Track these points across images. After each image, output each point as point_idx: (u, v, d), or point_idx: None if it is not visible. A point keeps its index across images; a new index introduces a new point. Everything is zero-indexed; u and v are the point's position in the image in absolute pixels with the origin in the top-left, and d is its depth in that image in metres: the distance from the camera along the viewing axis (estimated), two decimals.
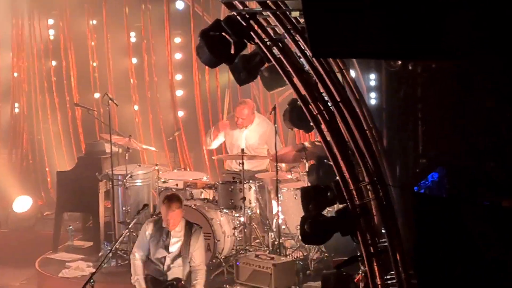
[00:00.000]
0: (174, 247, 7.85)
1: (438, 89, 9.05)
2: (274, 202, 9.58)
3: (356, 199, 5.73)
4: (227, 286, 8.70)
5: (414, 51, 4.29)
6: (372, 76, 9.37)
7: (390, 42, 4.21)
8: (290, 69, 5.88)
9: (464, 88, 8.70)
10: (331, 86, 5.79)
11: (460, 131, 8.63)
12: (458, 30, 4.10)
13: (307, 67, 5.89)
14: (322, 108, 5.80)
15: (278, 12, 5.85)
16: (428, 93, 9.27)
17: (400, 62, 9.30)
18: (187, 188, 9.60)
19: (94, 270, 7.67)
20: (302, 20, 5.74)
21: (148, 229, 7.90)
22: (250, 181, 9.44)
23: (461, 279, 3.88)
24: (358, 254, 5.85)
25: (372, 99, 9.33)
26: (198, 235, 7.90)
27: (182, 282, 7.80)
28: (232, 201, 9.26)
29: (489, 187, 8.44)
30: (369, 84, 9.50)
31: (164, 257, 7.84)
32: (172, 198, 7.84)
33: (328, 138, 5.81)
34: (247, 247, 9.23)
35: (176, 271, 7.85)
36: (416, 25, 4.17)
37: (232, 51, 6.00)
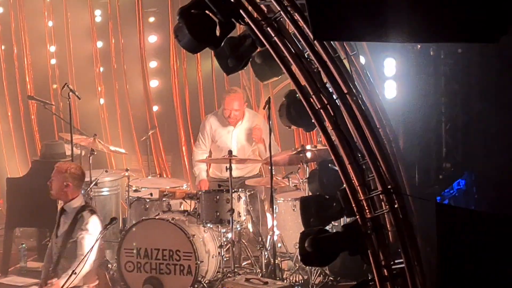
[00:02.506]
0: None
1: (468, 78, 9.07)
2: (268, 215, 9.56)
3: (367, 211, 5.72)
4: None
5: (438, 32, 4.27)
6: (387, 62, 9.39)
7: (407, 21, 4.21)
8: (287, 55, 5.86)
9: (499, 74, 8.71)
10: (336, 75, 5.77)
11: (495, 131, 8.65)
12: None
13: (308, 52, 5.87)
14: (326, 102, 5.78)
15: None
16: (454, 83, 9.29)
17: (419, 46, 9.33)
18: (163, 199, 9.58)
19: None
20: None
21: None
22: (240, 189, 9.44)
23: None
24: (370, 278, 5.84)
25: (387, 90, 9.35)
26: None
27: None
28: (218, 214, 9.24)
29: None
30: (383, 72, 9.52)
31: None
32: None
33: (333, 138, 5.79)
34: (235, 269, 9.21)
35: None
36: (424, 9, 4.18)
37: (218, 33, 5.98)
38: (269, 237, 9.43)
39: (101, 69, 12.54)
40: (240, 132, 10.15)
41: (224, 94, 10.29)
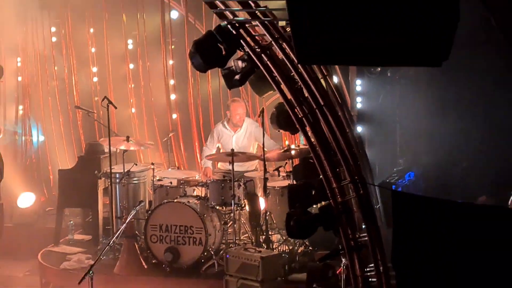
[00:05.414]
0: None
1: (416, 94, 9.08)
2: (261, 199, 9.55)
3: (338, 197, 5.71)
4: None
5: (392, 58, 4.27)
6: (358, 81, 9.42)
7: (365, 50, 4.21)
8: (277, 75, 5.85)
9: (440, 92, 8.73)
10: (315, 91, 5.76)
11: (437, 133, 8.68)
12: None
13: (293, 73, 5.87)
14: (307, 112, 5.78)
15: (266, 22, 5.82)
16: (406, 98, 9.30)
17: (379, 69, 9.33)
18: (180, 186, 9.56)
19: (93, 262, 7.61)
20: (288, 29, 5.71)
21: None
22: (240, 179, 9.41)
23: (436, 274, 3.87)
24: (340, 248, 5.83)
25: (359, 103, 9.37)
26: None
27: None
28: (223, 198, 9.20)
29: (462, 186, 8.47)
30: (354, 89, 9.54)
31: None
32: None
33: (312, 139, 5.79)
34: (236, 241, 9.19)
35: None
36: (386, 37, 4.18)
37: (224, 57, 5.98)
38: (262, 216, 9.42)
39: (132, 85, 12.52)
40: (238, 137, 10.17)
41: (229, 103, 10.30)
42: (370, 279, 5.62)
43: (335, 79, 6.65)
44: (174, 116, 12.22)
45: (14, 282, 9.37)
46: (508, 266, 3.63)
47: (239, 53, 6.19)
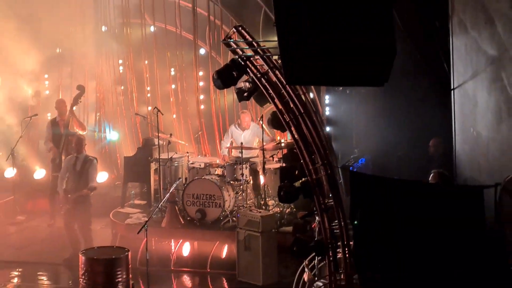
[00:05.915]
0: None
1: (366, 105, 9.07)
2: (261, 177, 9.55)
3: (313, 175, 5.71)
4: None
5: (346, 80, 4.27)
6: (327, 96, 9.40)
7: (332, 74, 4.21)
8: (271, 92, 5.85)
9: (382, 104, 8.72)
10: (297, 103, 5.76)
11: (380, 132, 8.66)
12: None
13: (282, 90, 5.86)
14: (292, 117, 5.77)
15: (264, 56, 5.82)
16: (360, 108, 9.28)
17: (341, 88, 9.31)
18: (206, 167, 9.57)
19: (147, 219, 7.63)
20: (279, 61, 5.70)
21: None
22: (247, 162, 9.42)
23: (380, 227, 3.88)
24: (314, 210, 5.84)
25: (326, 111, 9.35)
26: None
27: None
28: (235, 175, 9.22)
29: (397, 168, 8.45)
30: (324, 102, 9.52)
31: None
32: None
33: (296, 136, 5.79)
34: (244, 205, 9.20)
35: None
36: (345, 68, 4.18)
37: (236, 80, 5.98)
38: (262, 188, 9.42)
39: (173, 99, 12.52)
40: (245, 135, 10.19)
41: (240, 113, 10.35)
42: (334, 231, 5.61)
43: (311, 95, 6.66)
44: (202, 120, 12.23)
45: (95, 233, 9.39)
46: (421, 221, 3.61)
47: (246, 77, 6.18)
